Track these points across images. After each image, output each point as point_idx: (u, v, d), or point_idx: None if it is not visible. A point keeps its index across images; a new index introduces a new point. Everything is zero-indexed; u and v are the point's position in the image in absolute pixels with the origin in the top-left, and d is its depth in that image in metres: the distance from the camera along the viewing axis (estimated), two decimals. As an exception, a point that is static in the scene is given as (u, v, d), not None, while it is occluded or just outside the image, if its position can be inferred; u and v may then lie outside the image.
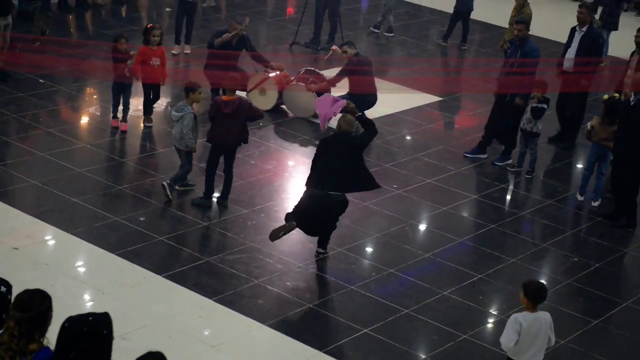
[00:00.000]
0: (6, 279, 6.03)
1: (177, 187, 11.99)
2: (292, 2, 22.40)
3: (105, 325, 5.64)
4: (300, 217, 10.59)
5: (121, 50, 13.58)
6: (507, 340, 7.72)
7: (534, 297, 7.76)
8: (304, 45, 18.74)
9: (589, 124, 12.71)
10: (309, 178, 10.83)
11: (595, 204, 12.84)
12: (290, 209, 11.49)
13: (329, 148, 10.71)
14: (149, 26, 13.96)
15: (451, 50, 19.74)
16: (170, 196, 11.78)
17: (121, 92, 13.73)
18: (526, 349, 7.78)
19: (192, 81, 12.23)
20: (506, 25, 14.16)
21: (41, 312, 5.79)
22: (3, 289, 6.08)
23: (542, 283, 8.22)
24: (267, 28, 19.97)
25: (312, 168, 10.85)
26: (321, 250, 10.94)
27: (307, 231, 10.86)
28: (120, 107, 13.76)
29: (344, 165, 10.54)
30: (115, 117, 13.89)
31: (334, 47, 15.34)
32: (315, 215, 10.61)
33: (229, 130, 11.64)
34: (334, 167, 10.53)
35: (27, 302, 5.78)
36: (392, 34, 19.99)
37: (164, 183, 11.83)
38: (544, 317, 7.85)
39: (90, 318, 5.59)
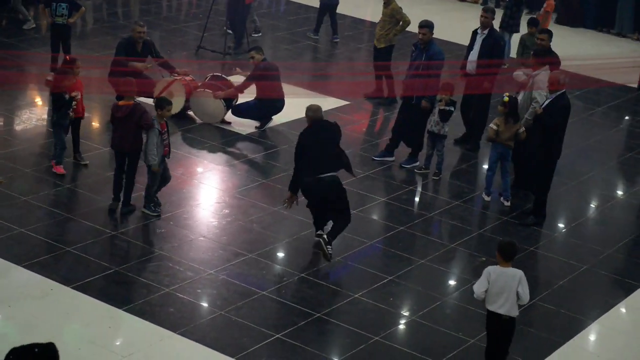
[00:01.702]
0: None
1: (151, 212, 11.72)
2: (194, 6, 22.31)
3: (51, 356, 5.48)
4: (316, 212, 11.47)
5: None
6: (478, 286, 8.73)
7: (503, 252, 8.74)
8: (213, 52, 18.70)
9: (492, 125, 12.89)
10: (300, 172, 11.21)
11: (508, 203, 13.05)
12: (199, 217, 11.48)
13: (314, 138, 11.21)
14: (67, 58, 13.21)
15: (357, 54, 19.87)
16: (155, 212, 11.69)
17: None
18: (494, 299, 8.69)
19: (163, 97, 11.98)
20: (415, 30, 14.34)
21: None
22: None
23: (512, 242, 9.03)
24: (170, 34, 19.80)
25: (302, 160, 11.17)
26: (330, 249, 11.00)
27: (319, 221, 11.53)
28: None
29: (331, 149, 11.30)
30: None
31: (238, 69, 15.39)
32: (319, 202, 11.29)
33: (123, 136, 11.67)
34: (323, 153, 11.16)
35: None
36: (259, 34, 20.06)
37: (142, 210, 11.70)
38: (513, 272, 8.72)
39: (36, 350, 5.45)
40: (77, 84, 12.66)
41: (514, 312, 8.74)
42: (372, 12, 17.14)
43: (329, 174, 11.13)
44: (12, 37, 18.20)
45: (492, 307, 8.74)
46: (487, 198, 13.17)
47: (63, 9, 15.87)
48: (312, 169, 11.10)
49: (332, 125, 11.54)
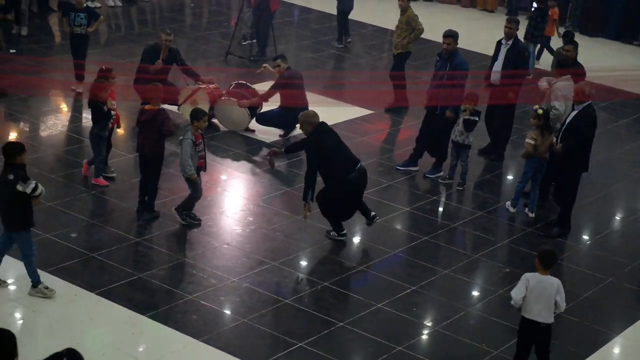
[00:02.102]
0: None
1: (181, 220, 11.72)
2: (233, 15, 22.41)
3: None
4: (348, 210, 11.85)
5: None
6: (516, 292, 8.81)
7: (543, 260, 8.82)
8: (239, 57, 18.77)
9: (529, 140, 12.68)
10: (326, 174, 11.55)
11: (532, 215, 13.00)
12: (223, 224, 11.51)
13: (331, 138, 11.63)
14: (104, 67, 12.97)
15: (380, 62, 19.87)
16: (184, 221, 11.68)
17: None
18: (531, 306, 8.78)
19: (199, 108, 11.98)
20: (439, 39, 14.34)
21: (9, 353, 5.83)
22: None
23: (553, 250, 9.20)
24: (194, 41, 19.87)
25: (330, 166, 11.47)
26: (374, 214, 11.94)
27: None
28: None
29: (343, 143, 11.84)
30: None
31: (265, 65, 15.37)
32: (361, 193, 11.86)
33: (145, 140, 11.77)
34: (345, 147, 11.77)
35: None
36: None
37: (173, 209, 11.71)
38: (551, 281, 8.81)
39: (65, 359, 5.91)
40: (111, 93, 12.61)
41: (551, 319, 8.86)
42: (394, 20, 17.14)
43: (360, 163, 11.75)
44: (39, 43, 18.29)
45: (529, 315, 8.82)
46: (512, 209, 13.09)
47: (81, 18, 15.75)
48: (350, 163, 11.61)
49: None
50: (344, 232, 11.77)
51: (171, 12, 22.11)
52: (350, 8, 20.70)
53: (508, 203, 13.18)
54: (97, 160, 12.49)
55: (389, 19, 17.19)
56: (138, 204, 11.90)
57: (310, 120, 11.67)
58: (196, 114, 11.54)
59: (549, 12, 20.82)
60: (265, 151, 14.32)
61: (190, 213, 11.75)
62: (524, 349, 9.05)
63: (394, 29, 17.29)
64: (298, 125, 15.00)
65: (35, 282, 9.79)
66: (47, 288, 9.80)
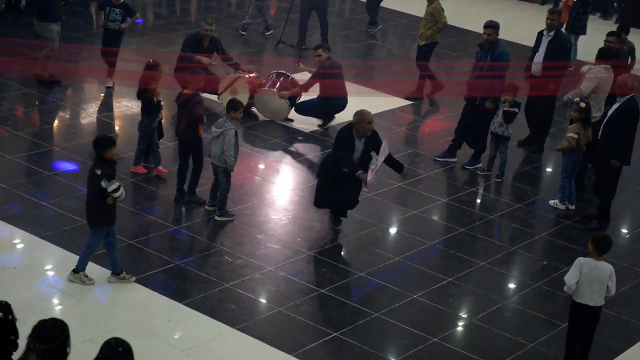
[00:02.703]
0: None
1: (207, 207, 11.79)
2: (274, 2, 22.45)
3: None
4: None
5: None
6: (570, 277, 8.87)
7: (598, 246, 8.88)
8: (291, 45, 18.81)
9: (573, 134, 12.54)
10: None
11: (573, 207, 12.91)
12: (260, 213, 11.57)
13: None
14: (152, 61, 12.91)
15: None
16: (231, 218, 11.70)
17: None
18: (584, 292, 8.88)
19: (236, 99, 12.02)
20: (479, 30, 14.28)
21: (62, 343, 5.90)
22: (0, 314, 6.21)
23: (608, 235, 9.31)
24: (233, 30, 19.89)
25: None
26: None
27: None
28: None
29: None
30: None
31: (301, 64, 15.37)
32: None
33: (178, 123, 11.94)
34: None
35: (49, 333, 5.92)
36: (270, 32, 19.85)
37: (215, 217, 11.65)
38: (604, 267, 8.91)
39: (120, 349, 6.17)
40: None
41: (602, 303, 9.02)
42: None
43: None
44: (80, 31, 18.40)
45: (581, 300, 8.94)
46: (562, 207, 12.95)
47: (116, 14, 15.34)
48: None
49: None
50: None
51: (208, 1, 22.15)
52: None
53: (556, 201, 13.03)
54: (141, 149, 12.57)
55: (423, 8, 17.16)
56: (176, 192, 11.97)
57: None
58: (234, 105, 11.57)
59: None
60: (304, 143, 14.36)
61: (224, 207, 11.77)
62: (575, 332, 9.19)
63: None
64: (336, 116, 15.10)
65: (79, 268, 9.87)
66: (86, 277, 9.88)
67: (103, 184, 9.45)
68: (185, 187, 11.99)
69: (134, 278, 10.00)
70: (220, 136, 11.41)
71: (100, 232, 9.77)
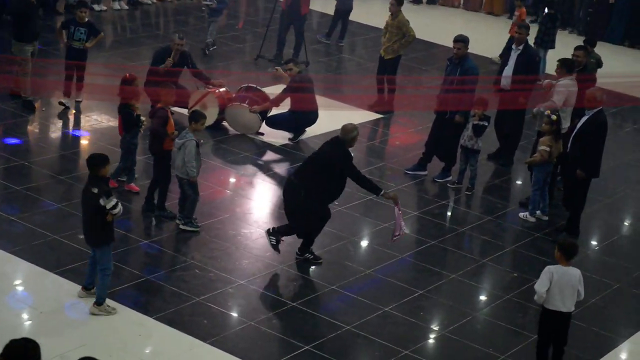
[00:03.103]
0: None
1: (177, 221, 11.69)
2: (244, 16, 22.49)
3: None
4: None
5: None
6: (540, 286, 8.97)
7: (566, 252, 9.02)
8: (269, 60, 18.85)
9: (544, 147, 12.60)
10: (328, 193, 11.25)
11: (546, 217, 13.01)
12: (230, 227, 11.54)
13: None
14: (127, 76, 12.87)
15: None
16: (196, 228, 11.66)
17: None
18: (554, 298, 8.99)
19: (197, 110, 11.95)
20: (449, 44, 14.37)
21: None
22: None
23: (574, 241, 9.58)
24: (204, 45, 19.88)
25: (331, 183, 11.12)
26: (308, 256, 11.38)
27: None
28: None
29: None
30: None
31: (278, 68, 15.35)
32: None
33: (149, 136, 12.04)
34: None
35: (22, 354, 5.86)
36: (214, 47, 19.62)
37: (180, 225, 11.62)
38: (573, 272, 9.05)
39: None
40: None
41: (572, 308, 9.14)
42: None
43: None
44: (48, 45, 18.32)
45: (552, 306, 9.04)
46: (532, 219, 13.03)
47: (81, 33, 14.95)
48: (337, 194, 11.35)
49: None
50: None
51: (177, 15, 22.13)
52: (350, 8, 20.92)
53: (526, 214, 13.10)
54: (123, 168, 12.48)
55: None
56: (144, 203, 11.92)
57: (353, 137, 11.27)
58: (196, 116, 11.57)
59: (516, 12, 20.84)
60: (275, 156, 14.37)
61: (192, 217, 11.73)
62: (547, 339, 9.29)
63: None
64: (307, 129, 15.10)
65: (100, 299, 9.68)
66: (109, 306, 9.73)
67: (102, 201, 9.33)
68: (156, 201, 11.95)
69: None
70: (181, 147, 11.40)
71: (107, 250, 9.65)
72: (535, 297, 9.06)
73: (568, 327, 9.23)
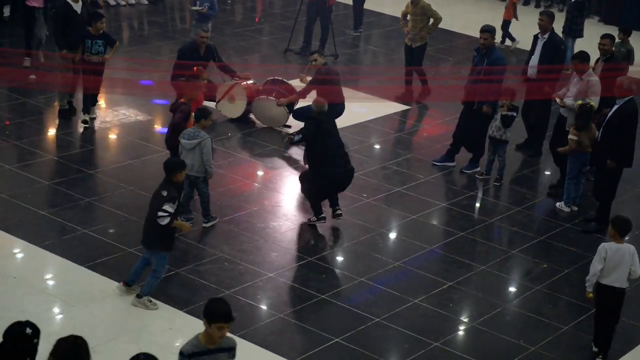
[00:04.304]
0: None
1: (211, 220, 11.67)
2: (261, 10, 22.49)
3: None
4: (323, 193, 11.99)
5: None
6: (595, 266, 9.26)
7: (619, 229, 9.30)
8: (296, 53, 18.83)
9: (572, 136, 12.57)
10: (316, 157, 11.87)
11: (575, 208, 12.95)
12: (259, 220, 11.55)
13: (329, 129, 11.99)
14: (195, 69, 13.12)
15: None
16: (215, 219, 11.70)
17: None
18: (608, 274, 9.24)
19: (204, 107, 11.94)
20: (474, 34, 14.28)
21: None
22: (29, 330, 6.15)
23: (628, 218, 9.59)
24: (231, 38, 19.91)
25: (320, 147, 11.79)
26: (338, 209, 11.98)
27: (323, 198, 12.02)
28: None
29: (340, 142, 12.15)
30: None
31: (302, 75, 15.28)
32: (338, 187, 12.05)
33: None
34: (337, 144, 11.98)
35: (74, 353, 5.91)
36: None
37: (204, 225, 11.61)
38: (627, 248, 9.30)
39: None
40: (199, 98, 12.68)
41: (626, 284, 9.36)
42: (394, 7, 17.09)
43: (350, 166, 12.14)
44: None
45: (605, 281, 9.28)
46: (567, 209, 12.97)
47: (99, 46, 14.05)
48: (340, 159, 11.93)
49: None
50: (323, 216, 11.86)
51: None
52: None
53: (561, 204, 13.04)
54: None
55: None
56: None
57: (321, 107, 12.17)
58: (205, 113, 11.42)
59: None
60: (302, 149, 14.38)
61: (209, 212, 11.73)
62: (602, 314, 9.49)
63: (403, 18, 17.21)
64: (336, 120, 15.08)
65: (144, 293, 9.76)
66: (150, 301, 9.80)
67: (166, 206, 9.37)
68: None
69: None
70: (196, 147, 11.21)
71: (165, 257, 9.70)
72: (589, 275, 9.32)
73: (621, 303, 9.44)
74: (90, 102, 14.37)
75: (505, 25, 20.41)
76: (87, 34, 14.06)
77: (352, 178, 12.12)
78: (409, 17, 17.01)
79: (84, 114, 14.36)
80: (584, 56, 13.46)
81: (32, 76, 15.62)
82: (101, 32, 14.12)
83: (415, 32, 16.82)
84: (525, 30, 19.61)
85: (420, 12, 16.77)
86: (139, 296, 9.76)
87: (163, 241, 9.62)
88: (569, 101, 13.25)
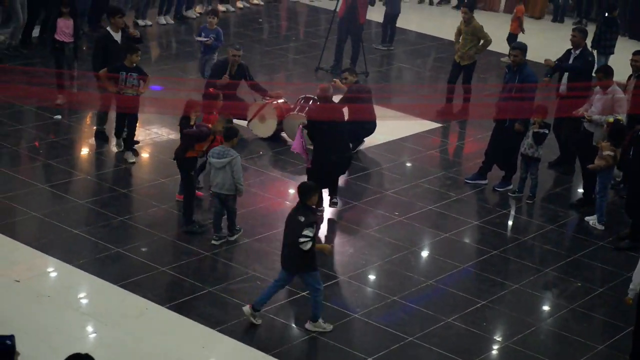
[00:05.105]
0: (8, 311, 6.08)
1: (214, 242, 11.61)
2: (303, 29, 22.57)
3: None
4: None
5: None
6: (637, 273, 9.31)
7: None
8: (327, 71, 18.87)
9: (609, 152, 12.54)
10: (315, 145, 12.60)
11: (602, 227, 12.89)
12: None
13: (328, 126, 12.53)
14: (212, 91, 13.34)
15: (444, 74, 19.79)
16: (240, 231, 11.78)
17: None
18: None
19: (233, 126, 11.94)
20: (495, 49, 14.33)
21: None
22: (8, 342, 6.20)
23: None
24: (262, 57, 19.98)
25: (318, 141, 12.53)
26: (335, 201, 12.81)
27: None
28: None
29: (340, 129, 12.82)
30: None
31: (335, 80, 15.31)
32: (333, 177, 12.79)
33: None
34: (339, 134, 12.69)
35: None
36: None
37: (229, 238, 11.66)
38: None
39: None
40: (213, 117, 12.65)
41: None
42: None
43: (350, 153, 13.18)
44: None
45: None
46: (600, 227, 12.91)
47: (134, 79, 13.50)
48: (338, 148, 12.59)
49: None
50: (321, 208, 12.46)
51: (238, 27, 22.25)
52: (399, 11, 21.08)
53: (594, 221, 12.98)
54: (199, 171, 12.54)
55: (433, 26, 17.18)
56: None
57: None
58: (235, 132, 11.47)
59: (515, 10, 20.80)
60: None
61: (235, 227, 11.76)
62: None
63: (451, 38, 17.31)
64: (365, 140, 15.09)
65: (315, 317, 9.85)
66: (324, 322, 9.89)
67: (306, 231, 9.41)
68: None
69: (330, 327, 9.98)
70: (226, 166, 11.24)
71: (314, 275, 9.75)
72: (630, 287, 9.34)
73: None
74: (129, 145, 14.12)
75: (511, 38, 20.30)
76: (122, 66, 13.57)
77: (349, 165, 13.11)
78: (461, 35, 17.16)
79: (116, 138, 14.31)
80: (608, 71, 13.44)
81: (59, 101, 15.52)
82: (135, 65, 13.63)
83: (464, 50, 16.94)
84: (540, 43, 19.53)
85: (471, 32, 16.93)
86: (313, 320, 9.82)
87: (307, 262, 9.67)
88: (595, 116, 13.21)
